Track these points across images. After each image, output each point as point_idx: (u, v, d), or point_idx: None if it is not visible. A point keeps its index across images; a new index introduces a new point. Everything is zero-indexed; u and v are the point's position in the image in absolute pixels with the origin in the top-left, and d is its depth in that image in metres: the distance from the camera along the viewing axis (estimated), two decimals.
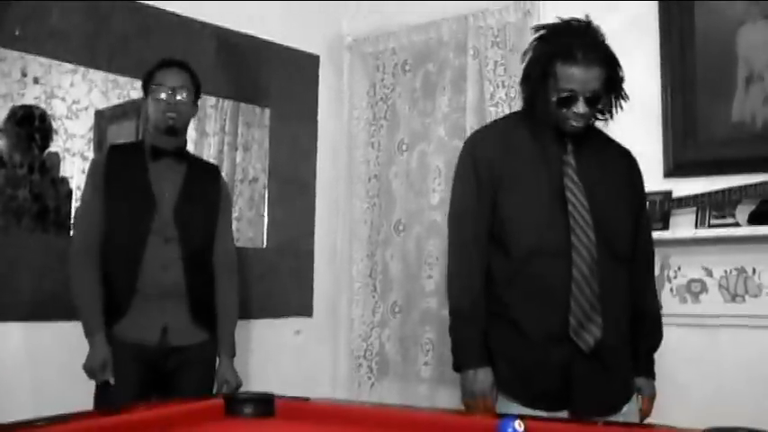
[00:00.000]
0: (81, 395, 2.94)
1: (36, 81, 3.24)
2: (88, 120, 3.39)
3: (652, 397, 2.55)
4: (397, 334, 4.14)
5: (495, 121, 2.75)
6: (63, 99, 3.31)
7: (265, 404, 2.05)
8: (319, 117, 4.35)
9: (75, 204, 3.29)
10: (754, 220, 3.12)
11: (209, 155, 3.79)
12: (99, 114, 3.42)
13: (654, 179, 3.36)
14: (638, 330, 2.52)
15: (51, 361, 3.19)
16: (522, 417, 1.74)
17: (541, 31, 2.44)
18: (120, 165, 2.97)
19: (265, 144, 4.07)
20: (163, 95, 2.94)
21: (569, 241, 2.33)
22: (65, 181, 3.30)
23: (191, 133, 3.46)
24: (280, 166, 4.12)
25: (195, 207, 3.01)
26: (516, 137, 2.48)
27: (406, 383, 4.08)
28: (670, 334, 3.24)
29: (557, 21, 2.44)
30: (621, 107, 2.47)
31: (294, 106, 4.22)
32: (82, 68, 3.37)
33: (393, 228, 4.20)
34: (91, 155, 3.34)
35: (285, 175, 4.14)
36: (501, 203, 2.42)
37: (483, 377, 2.38)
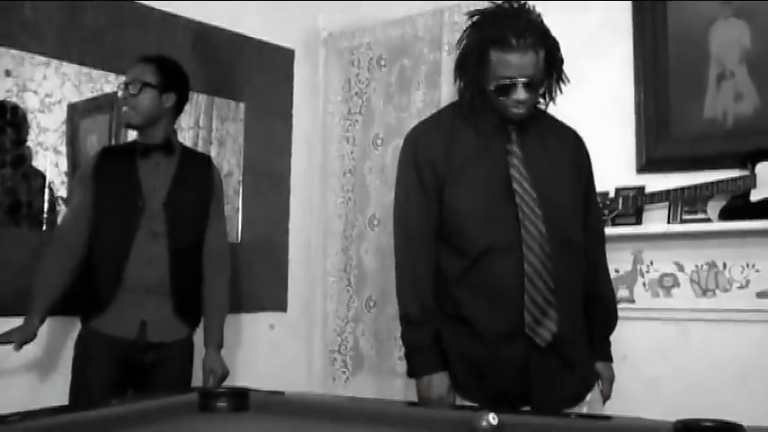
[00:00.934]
0: (56, 390, 2.93)
1: (8, 74, 3.20)
2: (61, 113, 3.35)
3: (611, 380, 2.51)
4: (372, 328, 4.14)
5: (434, 115, 2.64)
6: (35, 92, 3.28)
7: (240, 398, 2.04)
8: (294, 111, 4.34)
9: (47, 198, 3.27)
10: (724, 215, 3.16)
11: None
12: (72, 108, 3.39)
13: (627, 175, 3.40)
14: (594, 315, 2.47)
15: (23, 356, 3.16)
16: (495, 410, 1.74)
17: (475, 17, 2.36)
18: (109, 164, 3.02)
19: (240, 139, 4.06)
20: (119, 92, 3.02)
21: (520, 236, 2.28)
22: (37, 175, 3.28)
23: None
24: (254, 160, 4.11)
25: (185, 201, 3.01)
26: (457, 130, 2.41)
27: (380, 378, 4.09)
28: (642, 328, 3.29)
29: (490, 6, 2.36)
30: (561, 90, 2.39)
31: (269, 101, 4.21)
32: (55, 61, 3.33)
33: (368, 222, 4.20)
34: (64, 149, 3.32)
35: (260, 169, 4.13)
36: (447, 201, 2.35)
37: (438, 382, 2.33)
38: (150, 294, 2.91)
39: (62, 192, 3.32)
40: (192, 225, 3.05)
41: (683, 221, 3.26)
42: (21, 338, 2.85)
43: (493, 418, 1.65)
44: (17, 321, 2.88)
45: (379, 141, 4.20)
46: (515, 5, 2.33)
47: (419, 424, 1.84)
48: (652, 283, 3.34)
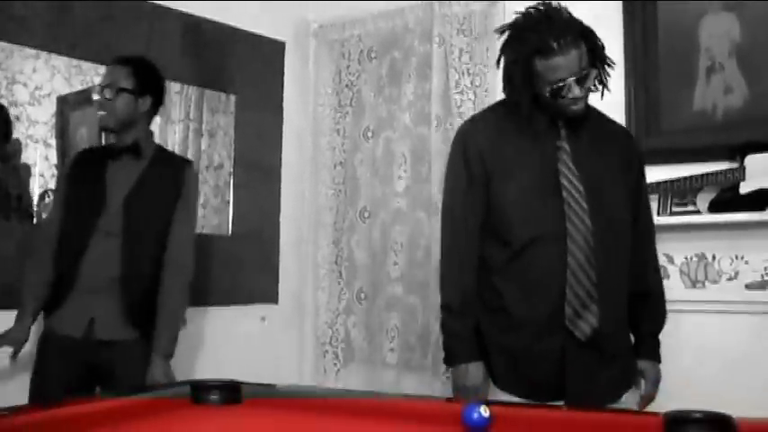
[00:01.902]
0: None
1: None
2: (51, 106, 3.35)
3: (656, 380, 2.52)
4: (363, 320, 4.15)
5: (486, 109, 2.68)
6: (25, 85, 3.27)
7: (232, 391, 2.05)
8: (285, 104, 4.34)
9: (37, 191, 3.26)
10: (714, 207, 3.17)
11: (174, 141, 3.77)
12: (62, 100, 3.38)
13: None
14: (641, 311, 2.50)
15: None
16: (487, 402, 1.75)
17: (508, 32, 2.38)
18: (82, 166, 3.04)
19: (230, 131, 4.05)
20: (95, 95, 3.02)
21: (565, 229, 2.30)
22: (27, 168, 3.27)
23: (156, 120, 3.44)
24: (245, 152, 4.10)
25: (146, 203, 2.98)
26: (508, 125, 2.44)
27: (371, 370, 4.10)
28: None
29: (517, 17, 2.37)
30: (609, 75, 2.42)
31: (259, 93, 4.21)
32: (44, 54, 3.32)
33: (358, 215, 4.20)
34: (53, 142, 3.31)
35: (250, 161, 4.13)
36: (494, 193, 2.39)
37: (474, 371, 2.38)
38: (100, 294, 2.89)
39: (52, 184, 3.31)
40: (151, 228, 2.99)
41: (672, 213, 3.27)
42: (13, 341, 2.87)
43: (484, 410, 1.65)
44: (7, 314, 2.89)
45: (369, 133, 4.20)
46: (542, 9, 2.34)
47: (410, 416, 1.85)
48: None
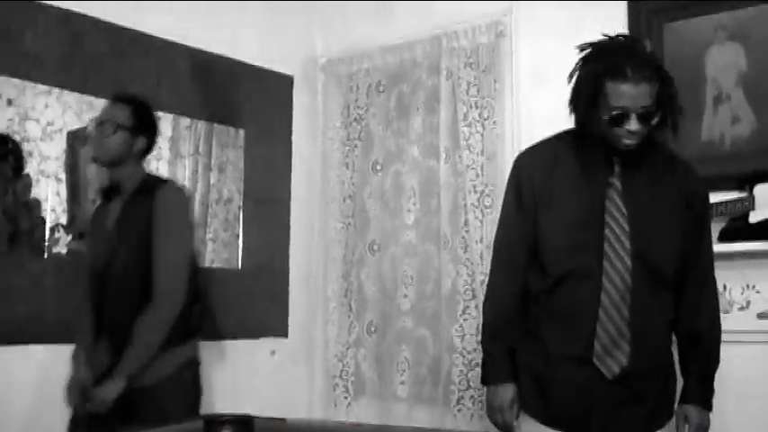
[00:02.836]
0: (54, 419, 2.92)
1: (10, 103, 3.22)
2: (62, 141, 3.37)
3: (700, 427, 2.44)
4: (373, 353, 4.14)
5: (544, 139, 2.62)
6: (37, 121, 3.29)
7: (244, 425, 2.04)
8: (294, 137, 4.36)
9: (48, 226, 3.28)
10: (724, 237, 3.16)
11: (183, 176, 3.79)
12: (72, 136, 3.41)
13: None
14: (690, 354, 2.48)
15: (24, 385, 3.15)
16: None
17: (587, 50, 2.38)
18: (99, 207, 3.16)
19: (240, 165, 4.07)
20: (90, 128, 3.15)
21: (602, 265, 2.31)
22: (38, 203, 3.28)
23: (165, 154, 3.47)
24: (254, 186, 4.12)
25: (124, 240, 2.95)
26: (563, 155, 2.45)
27: (382, 403, 4.08)
28: None
29: (601, 38, 2.38)
30: (677, 123, 2.39)
31: (268, 127, 4.23)
32: (56, 90, 3.36)
33: (368, 248, 4.20)
34: (64, 177, 3.34)
35: (260, 195, 4.15)
36: (540, 221, 2.42)
37: (503, 393, 2.43)
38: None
39: (63, 219, 3.32)
40: (134, 263, 2.92)
41: None
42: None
43: None
44: (20, 350, 2.90)
45: (378, 167, 4.22)
46: (628, 38, 2.37)
47: None
48: None
